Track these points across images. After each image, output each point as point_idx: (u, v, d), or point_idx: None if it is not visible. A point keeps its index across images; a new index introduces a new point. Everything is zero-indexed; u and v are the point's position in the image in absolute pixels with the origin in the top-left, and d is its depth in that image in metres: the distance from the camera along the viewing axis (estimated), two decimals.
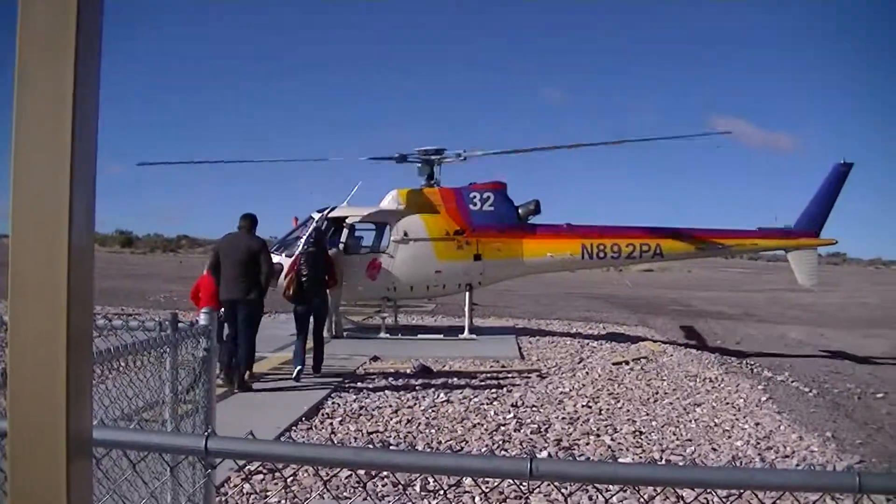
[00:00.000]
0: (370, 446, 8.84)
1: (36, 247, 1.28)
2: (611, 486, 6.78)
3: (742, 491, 2.26)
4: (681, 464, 8.75)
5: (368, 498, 4.68)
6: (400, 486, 7.14)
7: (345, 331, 18.70)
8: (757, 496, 5.82)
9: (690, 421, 11.15)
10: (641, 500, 6.89)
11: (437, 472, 2.18)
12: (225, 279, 11.76)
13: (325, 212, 18.32)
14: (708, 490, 2.98)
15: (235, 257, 11.75)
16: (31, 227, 1.28)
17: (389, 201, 19.07)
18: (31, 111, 1.27)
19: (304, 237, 16.71)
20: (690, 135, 20.49)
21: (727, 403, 12.47)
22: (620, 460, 8.69)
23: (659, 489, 6.85)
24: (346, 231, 18.44)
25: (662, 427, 10.67)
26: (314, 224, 17.39)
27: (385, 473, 7.16)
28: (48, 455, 1.33)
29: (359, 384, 12.67)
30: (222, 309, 12.01)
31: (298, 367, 12.61)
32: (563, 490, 6.19)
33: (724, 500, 6.74)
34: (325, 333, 15.36)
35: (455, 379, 13.46)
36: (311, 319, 13.23)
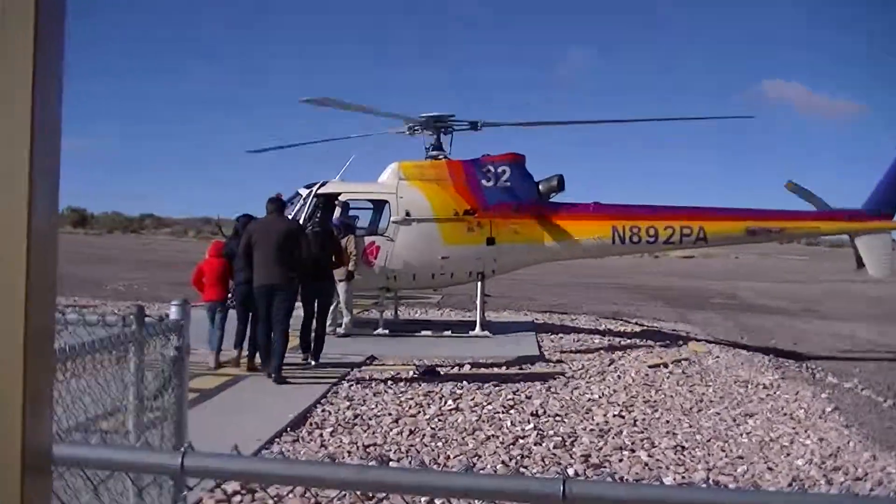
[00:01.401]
0: (374, 464, 8.80)
1: None
2: None
3: None
4: (734, 486, 8.64)
5: None
6: None
7: (336, 326, 18.61)
8: None
9: (741, 434, 11.08)
10: None
11: (454, 494, 2.17)
12: (261, 264, 12.60)
13: (315, 187, 18.36)
14: None
15: (273, 241, 12.57)
16: None
17: (389, 176, 19.01)
18: None
19: (299, 216, 17.16)
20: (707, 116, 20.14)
21: (785, 414, 12.37)
22: (664, 480, 8.62)
23: None
24: (338, 210, 18.32)
25: (708, 441, 10.61)
26: (310, 202, 17.69)
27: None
28: (1, 471, 1.32)
29: (353, 389, 12.62)
30: (230, 295, 13.80)
31: (306, 359, 14.10)
32: None
33: None
34: (341, 328, 17.09)
35: (465, 383, 13.38)
36: (317, 305, 14.29)
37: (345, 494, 7.29)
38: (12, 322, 1.29)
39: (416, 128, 19.47)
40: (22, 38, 1.24)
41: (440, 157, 19.34)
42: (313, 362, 14.10)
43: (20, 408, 1.31)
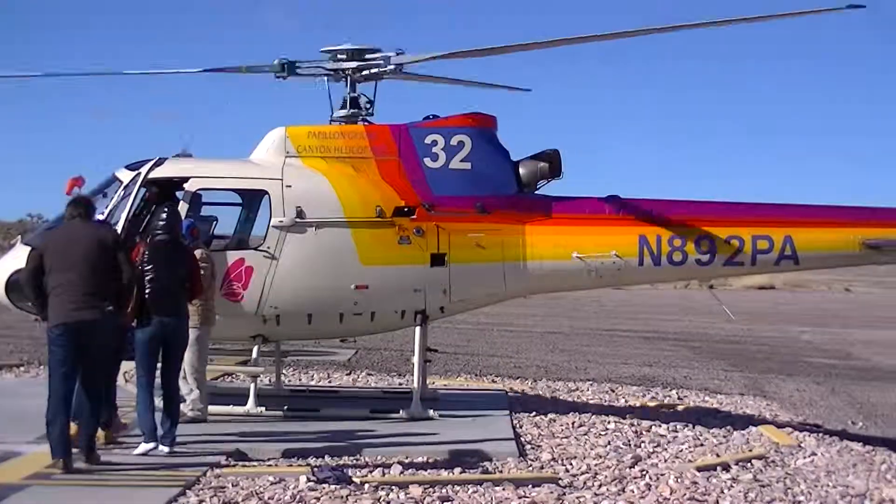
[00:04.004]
0: None
1: None
2: None
3: None
4: None
5: None
6: None
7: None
8: None
9: None
10: None
11: None
12: (64, 293, 11.37)
13: (145, 168, 14.76)
14: None
15: (79, 258, 11.37)
16: None
17: (270, 150, 15.29)
18: None
19: (118, 215, 14.61)
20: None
21: None
22: None
23: None
24: (185, 207, 14.88)
25: None
26: (138, 192, 14.70)
27: None
28: None
29: None
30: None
31: (150, 445, 11.83)
32: None
33: None
34: (191, 407, 13.92)
35: (394, 496, 10.93)
36: (163, 356, 12.33)
37: None
38: None
39: (316, 69, 15.92)
40: None
41: (356, 119, 15.72)
42: (165, 448, 11.85)
43: None
